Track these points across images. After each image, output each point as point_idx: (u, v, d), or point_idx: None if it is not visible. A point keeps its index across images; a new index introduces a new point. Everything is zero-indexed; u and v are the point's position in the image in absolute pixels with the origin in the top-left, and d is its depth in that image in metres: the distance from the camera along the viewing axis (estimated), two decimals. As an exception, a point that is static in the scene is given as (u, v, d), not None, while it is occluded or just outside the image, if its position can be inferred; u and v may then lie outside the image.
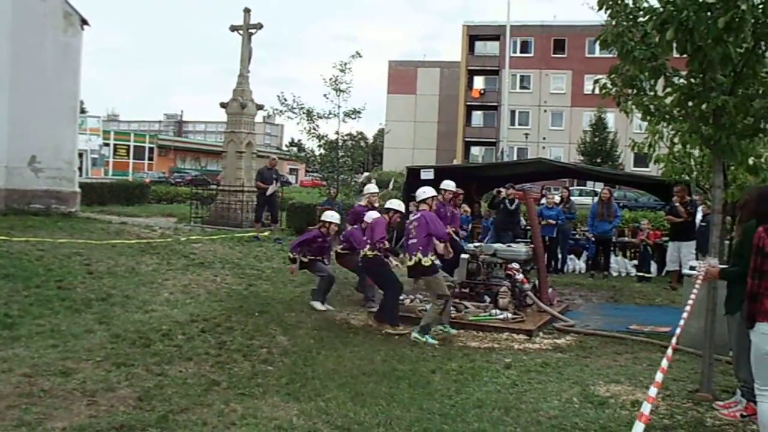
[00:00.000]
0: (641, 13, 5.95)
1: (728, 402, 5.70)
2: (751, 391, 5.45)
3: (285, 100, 15.90)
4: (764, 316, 4.38)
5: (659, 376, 3.87)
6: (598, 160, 48.60)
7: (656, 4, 5.75)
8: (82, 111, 47.52)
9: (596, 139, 52.05)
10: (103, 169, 57.65)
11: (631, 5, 6.04)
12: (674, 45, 5.69)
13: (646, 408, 3.29)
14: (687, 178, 9.71)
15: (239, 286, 10.66)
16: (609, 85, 6.67)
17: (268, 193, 15.98)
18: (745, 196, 5.75)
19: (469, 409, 5.63)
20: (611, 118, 51.76)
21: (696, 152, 8.97)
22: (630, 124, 22.48)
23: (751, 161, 7.14)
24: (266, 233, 15.98)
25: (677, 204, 12.51)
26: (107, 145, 61.08)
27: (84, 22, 17.18)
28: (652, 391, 3.62)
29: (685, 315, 5.36)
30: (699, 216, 12.88)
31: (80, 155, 34.23)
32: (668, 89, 6.14)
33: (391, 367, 6.85)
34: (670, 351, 4.46)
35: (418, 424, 5.22)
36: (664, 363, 4.05)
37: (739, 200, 5.82)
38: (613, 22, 6.19)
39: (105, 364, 6.35)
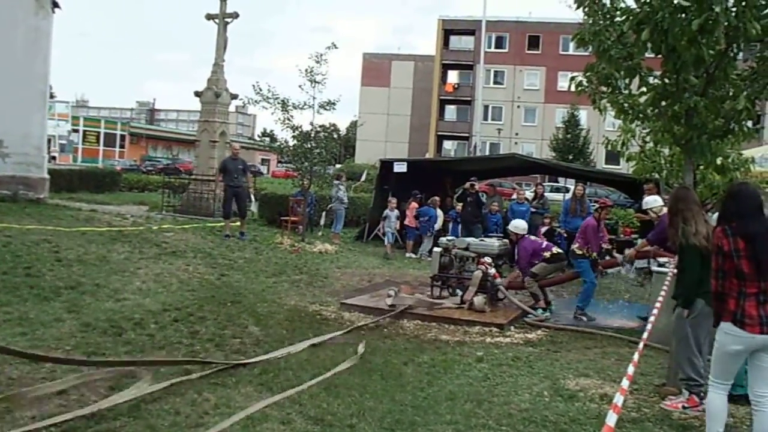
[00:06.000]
0: (618, 12, 6.04)
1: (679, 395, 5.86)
2: (691, 384, 5.62)
3: (260, 89, 15.74)
4: (729, 315, 4.46)
5: (631, 369, 3.96)
6: (570, 157, 49.11)
7: (633, 5, 5.84)
8: (51, 96, 46.61)
9: (568, 136, 52.57)
10: (71, 156, 56.66)
11: (608, 5, 6.13)
12: (649, 45, 5.79)
13: (619, 399, 3.36)
14: (657, 176, 9.87)
15: (211, 276, 10.61)
16: (584, 83, 6.76)
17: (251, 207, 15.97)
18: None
19: (441, 401, 5.68)
20: (584, 115, 52.35)
21: (666, 151, 9.13)
22: (603, 122, 22.75)
23: (719, 161, 7.31)
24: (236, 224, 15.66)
25: (647, 202, 12.67)
26: (76, 131, 59.98)
27: (55, 4, 16.87)
28: (625, 383, 3.70)
29: (655, 311, 5.47)
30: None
31: (48, 141, 33.59)
32: (643, 88, 6.25)
33: (363, 359, 6.88)
34: (641, 345, 4.55)
35: (391, 415, 5.25)
36: (636, 357, 4.14)
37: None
38: (590, 21, 6.27)
39: (75, 353, 6.27)
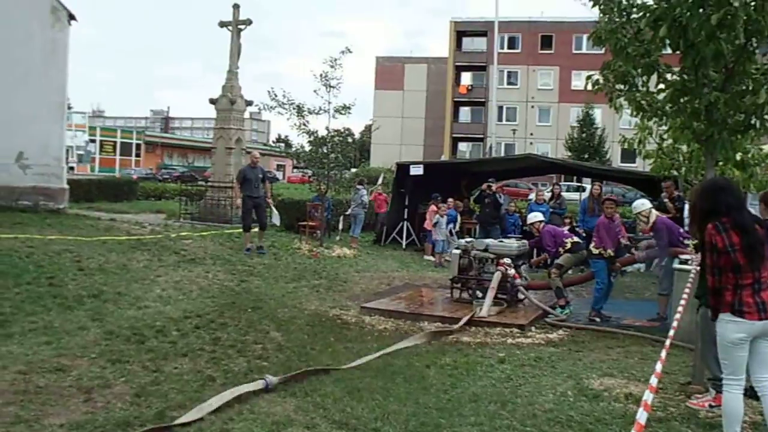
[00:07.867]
0: (634, 9, 6.01)
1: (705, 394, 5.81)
2: (719, 383, 5.56)
3: (275, 95, 15.80)
4: (727, 307, 4.51)
5: (659, 367, 3.93)
6: (586, 156, 48.84)
7: (649, 1, 5.81)
8: (68, 107, 47.08)
9: (583, 135, 52.23)
10: (89, 166, 57.21)
11: (624, 2, 6.10)
12: (667, 42, 5.76)
13: (648, 397, 3.34)
14: (676, 173, 9.79)
15: (231, 282, 10.66)
16: (601, 81, 6.73)
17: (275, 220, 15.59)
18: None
19: (465, 403, 5.66)
20: (598, 113, 52.00)
21: (684, 148, 9.06)
22: (618, 120, 22.61)
23: (738, 157, 7.24)
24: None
25: (665, 199, 12.59)
26: (93, 141, 60.56)
27: (71, 17, 17.08)
28: (653, 380, 3.67)
29: (680, 309, 5.43)
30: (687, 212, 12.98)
31: (66, 151, 33.93)
32: (661, 85, 6.21)
33: (385, 362, 6.87)
34: (668, 342, 4.53)
35: (415, 418, 5.25)
36: (663, 354, 4.12)
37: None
38: (606, 19, 6.25)
39: (100, 360, 6.33)
